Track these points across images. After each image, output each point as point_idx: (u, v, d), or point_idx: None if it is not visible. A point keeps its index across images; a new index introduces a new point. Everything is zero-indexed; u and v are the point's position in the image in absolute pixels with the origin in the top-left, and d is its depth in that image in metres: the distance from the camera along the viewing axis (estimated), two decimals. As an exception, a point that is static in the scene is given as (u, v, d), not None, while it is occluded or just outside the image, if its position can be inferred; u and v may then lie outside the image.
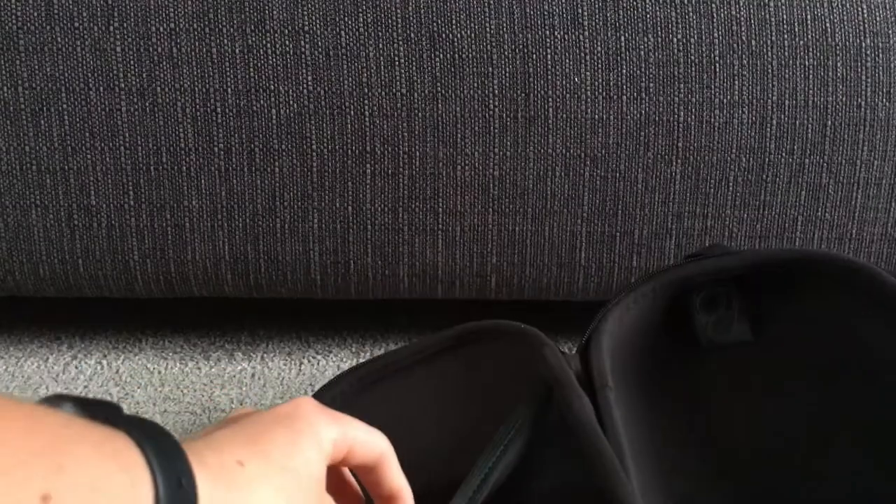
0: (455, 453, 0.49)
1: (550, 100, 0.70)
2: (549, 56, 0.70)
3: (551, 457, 0.48)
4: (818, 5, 0.70)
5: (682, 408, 0.52)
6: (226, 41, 0.69)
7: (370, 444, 0.40)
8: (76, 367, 0.75)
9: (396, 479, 0.41)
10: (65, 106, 0.69)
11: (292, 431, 0.37)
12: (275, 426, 0.37)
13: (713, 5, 0.70)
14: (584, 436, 0.45)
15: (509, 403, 0.49)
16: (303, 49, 0.69)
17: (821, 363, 0.50)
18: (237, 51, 0.69)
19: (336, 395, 0.53)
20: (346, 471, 0.44)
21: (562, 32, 0.70)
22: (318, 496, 0.37)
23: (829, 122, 0.72)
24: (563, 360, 0.49)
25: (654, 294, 0.53)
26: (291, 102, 0.70)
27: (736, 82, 0.70)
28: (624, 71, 0.70)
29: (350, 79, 0.70)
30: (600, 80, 0.70)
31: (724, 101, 0.71)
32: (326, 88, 0.70)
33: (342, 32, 0.69)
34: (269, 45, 0.69)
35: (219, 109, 0.70)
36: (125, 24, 0.68)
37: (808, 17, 0.70)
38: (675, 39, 0.70)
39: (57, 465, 0.24)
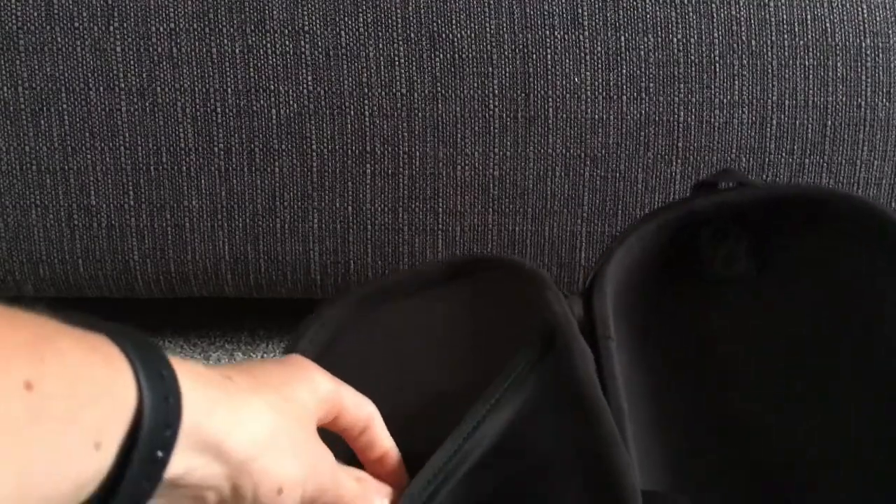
0: (452, 400, 0.47)
1: (550, 100, 0.70)
2: (549, 56, 0.70)
3: (550, 411, 0.47)
4: (818, 5, 0.70)
5: (682, 349, 0.51)
6: (226, 41, 0.69)
7: (361, 405, 0.39)
8: (76, 367, 0.75)
9: (385, 440, 0.40)
10: (65, 106, 0.69)
11: (288, 372, 0.36)
12: (268, 366, 0.36)
13: (713, 5, 0.70)
14: (586, 398, 0.44)
15: (510, 346, 0.48)
16: (303, 49, 0.69)
17: (825, 304, 0.49)
18: (237, 51, 0.69)
19: (334, 317, 0.51)
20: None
21: (562, 32, 0.70)
22: (311, 430, 0.36)
23: (829, 122, 0.72)
24: (566, 305, 0.48)
25: (659, 231, 0.52)
26: (291, 102, 0.70)
27: (736, 82, 0.70)
28: (624, 71, 0.70)
29: (350, 79, 0.70)
30: (600, 80, 0.70)
31: (724, 101, 0.71)
32: (326, 88, 0.70)
33: (342, 32, 0.69)
34: (269, 45, 0.69)
35: (219, 109, 0.70)
36: (125, 24, 0.68)
37: (808, 17, 0.70)
38: (675, 39, 0.70)
39: (39, 356, 0.24)
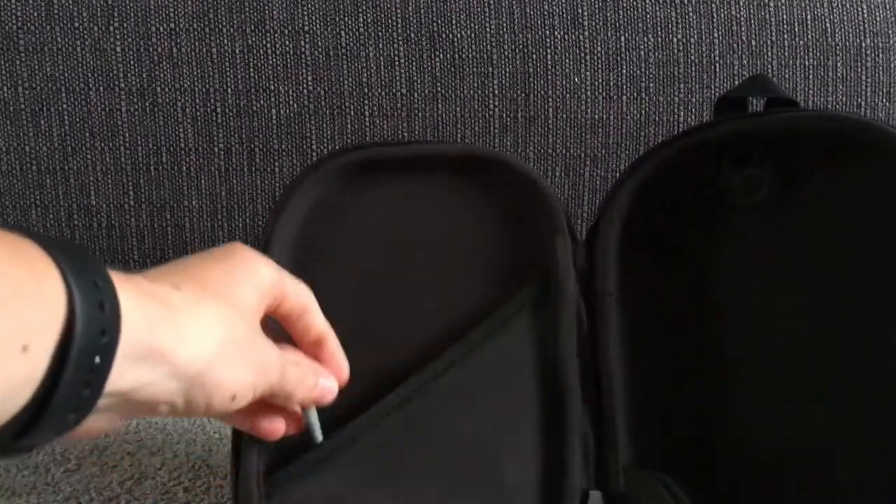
0: (436, 316, 0.47)
1: (550, 100, 0.70)
2: (549, 56, 0.70)
3: (515, 372, 0.47)
4: (818, 5, 0.70)
5: (689, 283, 0.49)
6: (226, 41, 0.69)
7: (299, 290, 0.39)
8: (76, 368, 0.75)
9: (321, 324, 0.41)
10: (65, 106, 0.69)
11: (231, 270, 0.36)
12: (210, 263, 0.36)
13: (713, 5, 0.70)
14: (560, 377, 0.45)
15: (509, 282, 0.47)
16: (303, 49, 0.69)
17: (850, 234, 0.46)
18: (237, 51, 0.69)
19: (321, 177, 0.47)
20: None
21: (562, 32, 0.70)
22: (256, 330, 0.36)
23: (829, 122, 0.72)
24: (570, 256, 0.47)
25: (678, 158, 0.48)
26: (291, 102, 0.70)
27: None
28: (624, 71, 0.70)
29: (350, 79, 0.70)
30: (600, 80, 0.70)
31: (724, 101, 0.71)
32: (326, 88, 0.70)
33: (342, 32, 0.69)
34: (269, 45, 0.69)
35: (219, 109, 0.70)
36: (125, 24, 0.68)
37: (808, 17, 0.70)
38: (675, 39, 0.70)
39: None
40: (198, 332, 0.32)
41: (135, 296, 0.29)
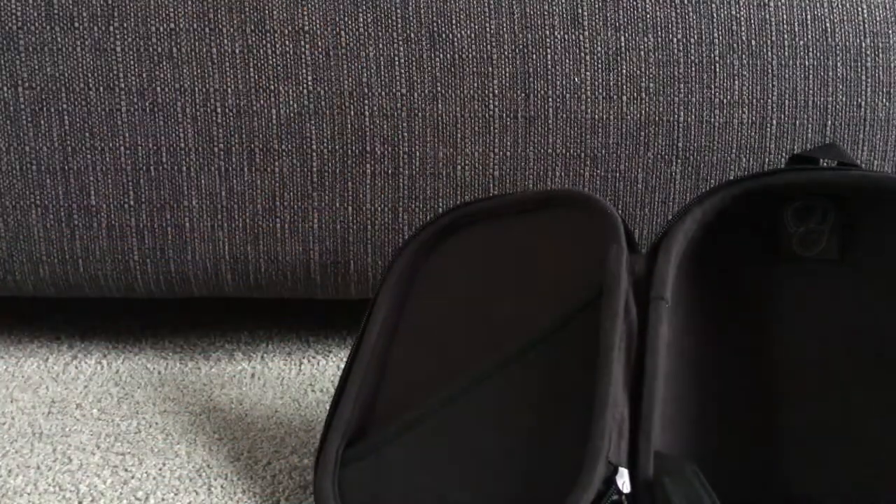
0: (502, 325, 0.52)
1: (550, 100, 0.70)
2: (549, 56, 0.70)
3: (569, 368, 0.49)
4: (818, 5, 0.70)
5: (741, 322, 0.50)
6: (226, 41, 0.69)
7: None
8: (76, 367, 0.75)
9: None
10: (65, 106, 0.69)
11: None
12: None
13: (713, 5, 0.70)
14: (598, 372, 0.46)
15: (564, 288, 0.50)
16: (303, 49, 0.69)
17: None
18: (237, 51, 0.69)
19: (440, 229, 0.59)
20: None
21: (562, 32, 0.70)
22: None
23: (829, 122, 0.72)
24: (624, 261, 0.49)
25: (745, 198, 0.50)
26: (291, 102, 0.70)
27: (736, 82, 0.71)
28: (624, 71, 0.70)
29: (350, 79, 0.70)
30: (600, 80, 0.70)
31: (724, 101, 0.71)
32: (326, 88, 0.70)
33: (342, 32, 0.69)
34: (269, 45, 0.69)
35: (219, 109, 0.70)
36: (125, 24, 0.68)
37: (808, 17, 0.70)
38: (675, 39, 0.70)
39: None
40: None
41: None
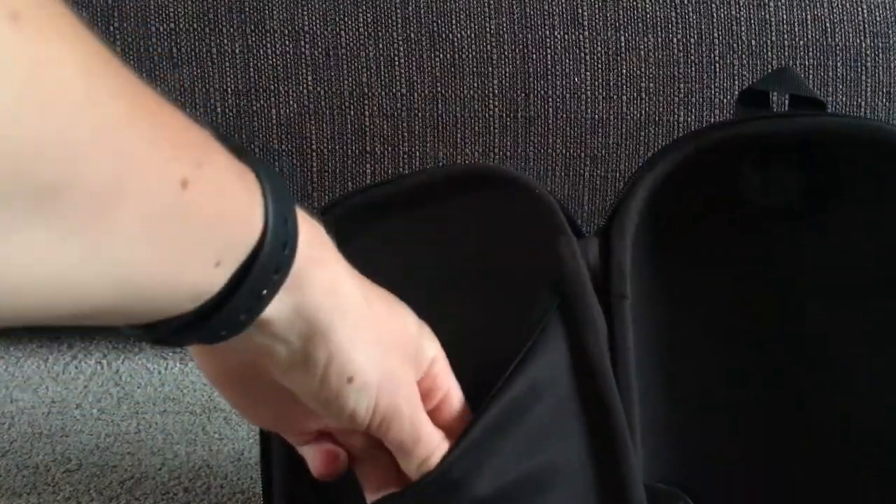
0: (460, 339, 0.43)
1: (550, 100, 0.70)
2: (549, 56, 0.70)
3: (560, 385, 0.43)
4: (818, 5, 0.70)
5: (717, 289, 0.46)
6: (226, 41, 0.69)
7: (449, 374, 0.39)
8: (76, 367, 0.75)
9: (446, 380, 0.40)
10: (65, 106, 0.69)
11: (398, 310, 0.37)
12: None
13: (713, 5, 0.70)
14: (598, 385, 0.42)
15: (523, 290, 0.44)
16: (303, 49, 0.69)
17: (881, 259, 0.44)
18: (237, 51, 0.69)
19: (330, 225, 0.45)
20: None
21: (562, 32, 0.70)
22: (406, 367, 0.36)
23: (829, 122, 0.72)
24: (578, 254, 0.43)
25: (697, 155, 0.45)
26: (291, 102, 0.70)
27: (736, 82, 0.70)
28: (624, 71, 0.70)
29: (350, 79, 0.70)
30: (600, 80, 0.70)
31: (724, 101, 0.71)
32: (326, 88, 0.70)
33: (342, 32, 0.69)
34: (269, 45, 0.69)
35: (219, 109, 0.70)
36: (125, 24, 0.68)
37: (808, 17, 0.70)
38: (675, 39, 0.70)
39: (198, 161, 0.27)
40: (350, 301, 0.33)
41: (309, 243, 0.31)
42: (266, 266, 0.29)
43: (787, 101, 0.49)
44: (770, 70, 0.71)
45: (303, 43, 0.69)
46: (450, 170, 0.51)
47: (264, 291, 0.29)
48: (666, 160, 0.46)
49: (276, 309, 0.31)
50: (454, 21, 0.69)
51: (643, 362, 0.45)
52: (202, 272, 0.28)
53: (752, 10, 0.70)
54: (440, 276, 0.46)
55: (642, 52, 0.70)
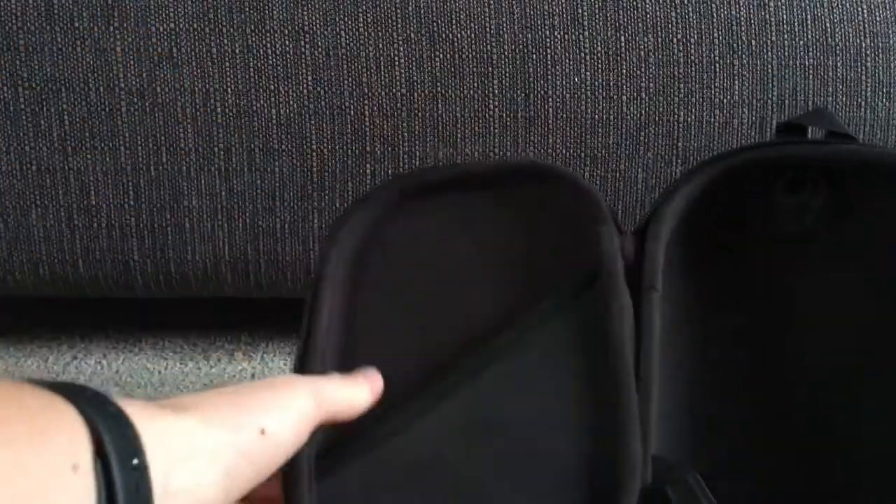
0: (478, 323, 0.47)
1: (550, 100, 0.70)
2: (549, 56, 0.70)
3: (564, 366, 0.46)
4: (818, 5, 0.70)
5: (732, 302, 0.49)
6: (226, 41, 0.69)
7: (354, 403, 0.41)
8: (76, 367, 0.75)
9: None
10: (65, 106, 0.69)
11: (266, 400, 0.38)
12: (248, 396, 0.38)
13: (713, 5, 0.70)
14: (613, 363, 0.43)
15: (550, 276, 0.46)
16: (303, 49, 0.69)
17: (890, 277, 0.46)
18: (237, 51, 0.69)
19: (370, 209, 0.49)
20: None
21: (562, 32, 0.70)
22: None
23: (829, 122, 0.72)
24: (617, 243, 0.46)
25: (730, 173, 0.48)
26: (291, 102, 0.70)
27: (736, 82, 0.70)
28: (624, 71, 0.70)
29: (350, 79, 0.70)
30: (600, 80, 0.70)
31: (724, 101, 0.71)
32: (326, 88, 0.70)
33: (342, 32, 0.69)
34: (269, 45, 0.69)
35: (219, 109, 0.70)
36: (125, 24, 0.68)
37: (808, 17, 0.70)
38: (675, 39, 0.70)
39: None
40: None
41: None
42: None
43: (823, 136, 0.52)
44: (771, 71, 0.71)
45: (303, 43, 0.69)
46: (505, 163, 0.55)
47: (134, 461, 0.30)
48: (704, 173, 0.48)
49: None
50: (454, 21, 0.69)
51: (669, 351, 0.47)
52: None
53: (752, 10, 0.70)
54: (484, 255, 0.49)
55: (642, 52, 0.70)
